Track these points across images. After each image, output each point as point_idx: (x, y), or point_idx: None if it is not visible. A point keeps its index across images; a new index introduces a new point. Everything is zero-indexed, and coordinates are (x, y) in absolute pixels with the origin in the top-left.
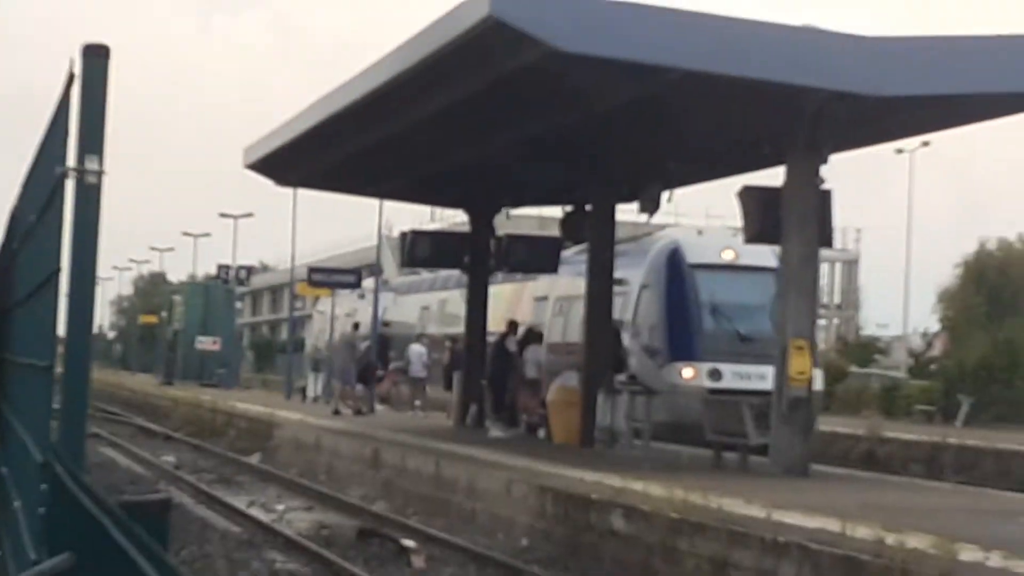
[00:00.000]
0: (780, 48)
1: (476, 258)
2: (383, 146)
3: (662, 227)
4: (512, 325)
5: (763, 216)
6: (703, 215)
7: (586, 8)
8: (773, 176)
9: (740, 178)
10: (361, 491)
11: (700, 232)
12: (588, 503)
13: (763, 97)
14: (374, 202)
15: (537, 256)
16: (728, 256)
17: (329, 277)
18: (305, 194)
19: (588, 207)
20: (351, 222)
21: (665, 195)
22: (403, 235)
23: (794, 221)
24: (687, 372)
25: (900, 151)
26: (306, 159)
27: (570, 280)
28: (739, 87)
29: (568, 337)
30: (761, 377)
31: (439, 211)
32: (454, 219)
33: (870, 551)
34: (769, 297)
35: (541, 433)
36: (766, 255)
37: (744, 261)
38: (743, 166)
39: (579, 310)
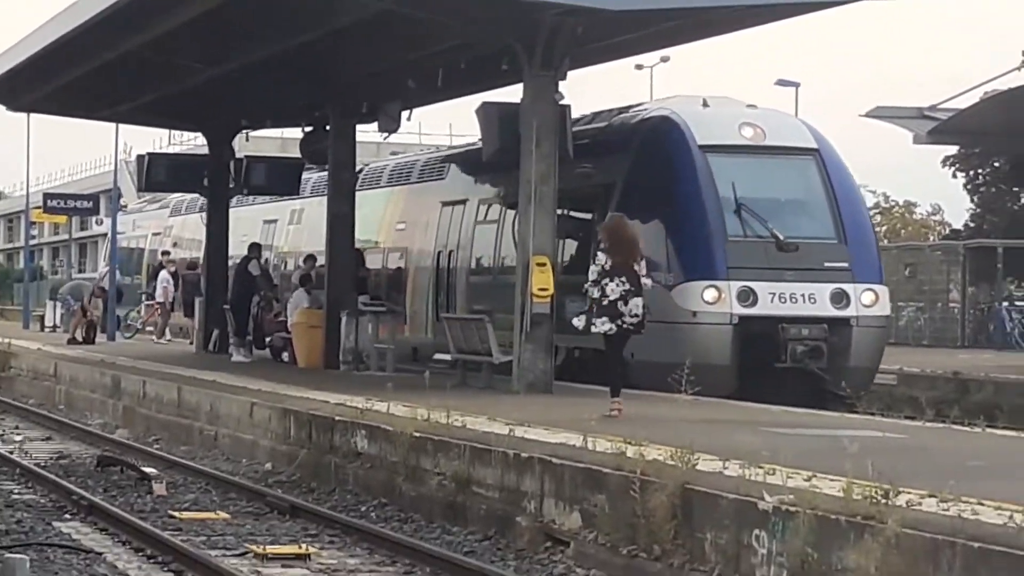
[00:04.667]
0: None
1: (215, 181)
2: (117, 67)
3: (405, 146)
4: (254, 248)
5: (502, 132)
6: (446, 134)
7: None
8: (513, 93)
9: (481, 96)
10: (102, 420)
11: (705, 103)
12: (331, 424)
13: (499, 13)
14: (113, 126)
15: (278, 177)
16: (749, 134)
17: (65, 203)
18: (40, 118)
19: (327, 127)
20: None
21: (405, 114)
22: (140, 158)
23: (533, 137)
24: (710, 294)
25: (640, 67)
26: (38, 82)
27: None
28: (475, 2)
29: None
30: (809, 298)
31: (179, 134)
32: (195, 141)
33: (611, 463)
34: (812, 188)
35: (285, 356)
36: (800, 131)
37: (772, 140)
38: (483, 83)
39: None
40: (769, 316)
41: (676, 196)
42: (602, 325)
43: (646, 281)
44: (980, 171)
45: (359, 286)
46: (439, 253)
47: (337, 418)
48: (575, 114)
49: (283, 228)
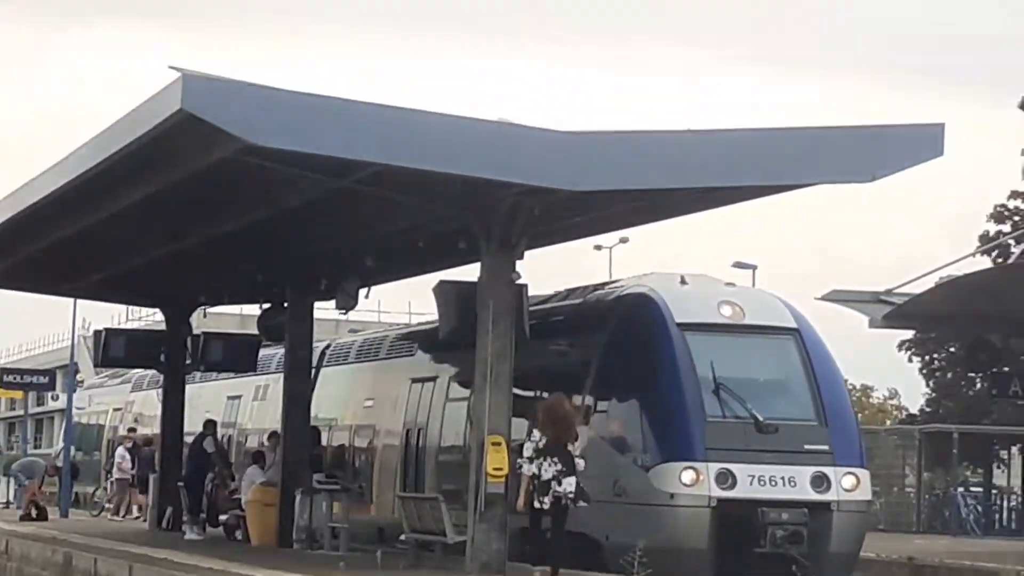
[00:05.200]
0: (472, 143)
1: (172, 356)
2: (75, 242)
3: (364, 324)
4: (209, 424)
5: (459, 311)
6: (406, 311)
7: (280, 102)
8: (472, 271)
9: (439, 274)
10: None
11: (683, 280)
12: None
13: (457, 192)
14: (71, 301)
15: (234, 354)
16: (728, 312)
17: (21, 378)
18: None
19: (285, 304)
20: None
21: (363, 292)
22: (96, 334)
23: (489, 316)
24: (688, 476)
25: (599, 247)
26: None
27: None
28: (433, 182)
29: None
30: (789, 481)
31: (138, 309)
32: (153, 317)
33: None
34: (791, 368)
35: (239, 535)
36: (779, 310)
37: (751, 319)
38: (441, 262)
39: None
40: (748, 499)
41: (654, 375)
42: (545, 502)
43: (579, 461)
44: (936, 356)
45: (314, 463)
46: (407, 431)
47: None
48: (545, 291)
49: (247, 404)
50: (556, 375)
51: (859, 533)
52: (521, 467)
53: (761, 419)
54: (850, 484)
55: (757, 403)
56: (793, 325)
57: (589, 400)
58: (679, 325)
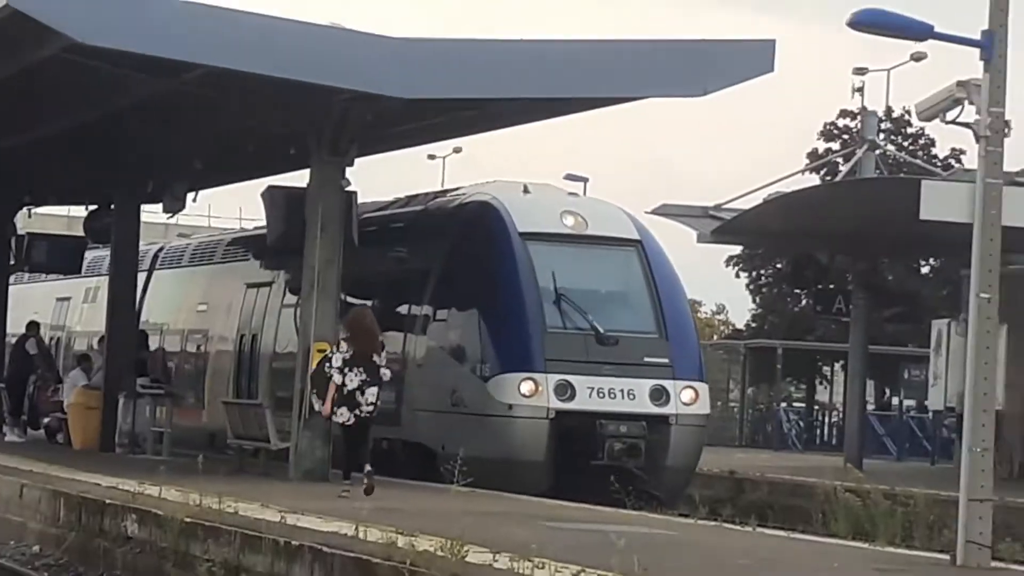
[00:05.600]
0: (303, 46)
1: None
2: None
3: (194, 228)
4: (32, 326)
5: (288, 217)
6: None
7: (107, 1)
8: (302, 177)
9: (270, 179)
10: None
11: (526, 189)
12: (102, 508)
13: (287, 97)
14: None
15: (60, 256)
16: (570, 222)
17: None
18: None
19: (112, 205)
20: None
21: (191, 195)
22: None
23: (318, 223)
24: (526, 387)
25: (432, 156)
26: None
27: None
28: (262, 85)
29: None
30: (629, 394)
31: None
32: None
33: (381, 554)
34: (633, 280)
35: (60, 438)
36: (622, 221)
37: (594, 230)
38: (271, 167)
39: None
40: (587, 411)
41: (494, 284)
42: (340, 416)
43: (385, 371)
44: (762, 272)
45: (139, 368)
46: (242, 336)
47: (108, 501)
48: (387, 197)
49: (77, 306)
50: (395, 282)
51: (697, 447)
52: (331, 376)
53: (602, 331)
54: (689, 398)
55: (598, 315)
56: (636, 236)
57: (428, 309)
58: (521, 234)
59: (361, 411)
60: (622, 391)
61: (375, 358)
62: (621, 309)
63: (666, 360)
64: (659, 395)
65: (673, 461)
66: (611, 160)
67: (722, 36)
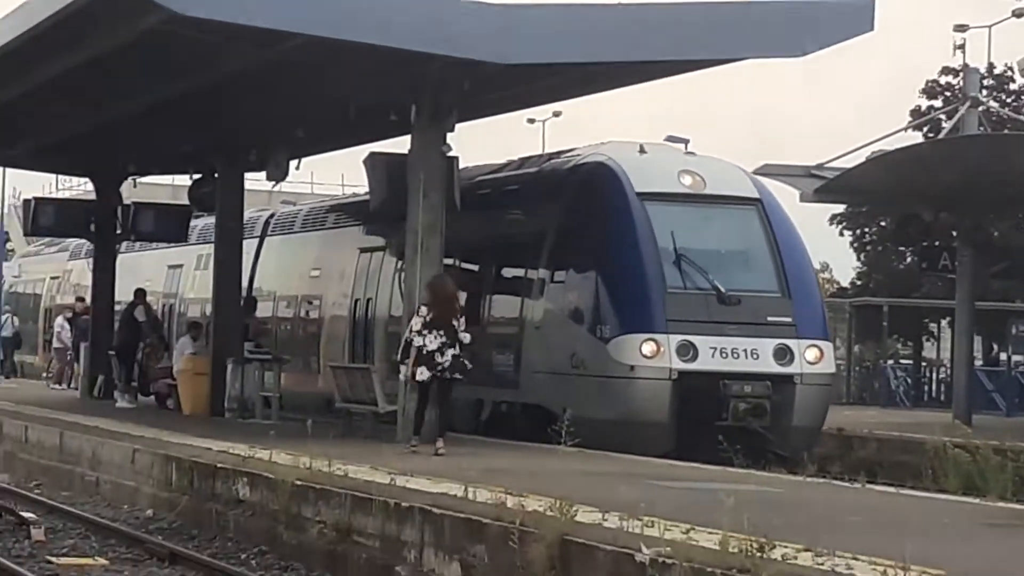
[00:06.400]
0: (402, 14)
1: (102, 227)
2: (3, 112)
3: (297, 196)
4: (140, 293)
5: (390, 183)
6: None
7: None
8: (404, 143)
9: (371, 146)
10: None
11: (642, 149)
12: (213, 471)
13: (387, 64)
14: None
15: (165, 224)
16: (688, 182)
17: None
18: None
19: (216, 174)
20: None
21: (293, 163)
22: (26, 203)
23: (420, 189)
24: (648, 348)
25: (532, 120)
26: None
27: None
28: (363, 54)
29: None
30: (752, 354)
31: (69, 179)
32: (85, 187)
33: (491, 514)
34: (754, 239)
35: (170, 404)
36: (741, 180)
37: (712, 189)
38: (371, 134)
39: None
40: (710, 372)
41: (612, 245)
42: (421, 375)
43: (464, 335)
44: (867, 230)
45: (246, 333)
46: (356, 301)
47: (219, 465)
48: (497, 160)
49: (189, 273)
50: (511, 245)
51: (822, 406)
52: (411, 340)
53: (723, 291)
54: (813, 356)
55: (719, 274)
56: (756, 195)
57: (545, 272)
58: (639, 194)
59: (439, 370)
60: (745, 351)
61: (454, 322)
62: (742, 268)
63: (789, 319)
64: (783, 354)
65: (799, 421)
66: (711, 121)
67: None
